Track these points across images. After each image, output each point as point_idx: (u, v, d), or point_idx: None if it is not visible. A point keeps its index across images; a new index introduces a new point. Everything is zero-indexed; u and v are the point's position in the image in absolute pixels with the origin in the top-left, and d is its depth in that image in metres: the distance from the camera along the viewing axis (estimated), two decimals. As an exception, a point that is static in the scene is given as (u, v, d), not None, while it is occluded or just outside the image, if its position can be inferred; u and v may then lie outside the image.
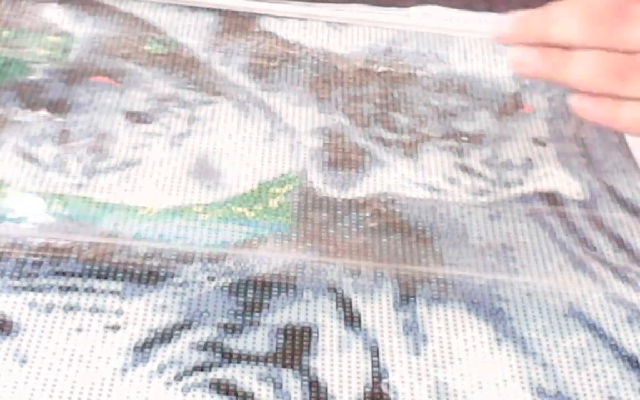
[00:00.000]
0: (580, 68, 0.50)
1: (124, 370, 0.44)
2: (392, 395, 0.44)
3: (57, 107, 0.57)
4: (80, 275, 0.48)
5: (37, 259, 0.48)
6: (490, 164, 0.57)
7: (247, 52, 0.63)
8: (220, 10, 0.66)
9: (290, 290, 0.48)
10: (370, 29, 0.66)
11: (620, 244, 0.52)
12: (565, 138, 0.60)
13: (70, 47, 0.61)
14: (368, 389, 0.45)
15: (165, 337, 0.46)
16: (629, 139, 0.60)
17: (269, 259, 0.50)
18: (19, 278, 0.47)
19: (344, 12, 0.66)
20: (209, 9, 0.66)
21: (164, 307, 0.47)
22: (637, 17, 0.50)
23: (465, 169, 0.56)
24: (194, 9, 0.66)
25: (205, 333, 0.46)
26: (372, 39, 0.65)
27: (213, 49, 0.63)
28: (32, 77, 0.59)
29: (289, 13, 0.66)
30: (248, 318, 0.47)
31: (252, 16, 0.66)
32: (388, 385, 0.45)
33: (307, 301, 0.48)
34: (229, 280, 0.48)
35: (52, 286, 0.47)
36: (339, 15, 0.66)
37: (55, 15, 0.64)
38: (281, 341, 0.46)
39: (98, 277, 0.48)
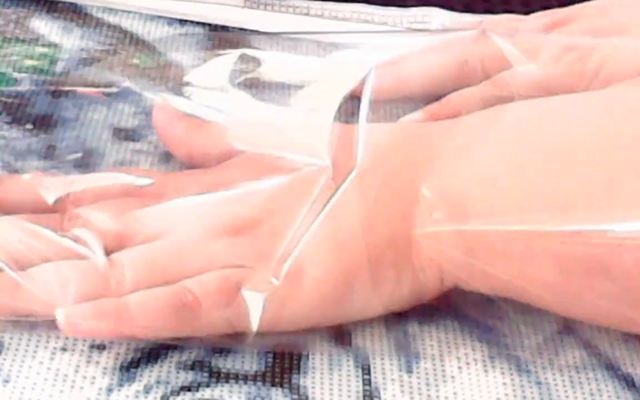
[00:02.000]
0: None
1: (110, 390, 0.43)
2: (383, 415, 0.44)
3: (44, 121, 0.56)
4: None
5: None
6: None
7: (237, 67, 0.62)
8: (210, 26, 0.65)
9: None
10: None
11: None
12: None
13: (58, 59, 0.61)
14: (359, 409, 0.44)
15: (151, 356, 0.45)
16: None
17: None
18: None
19: (334, 35, 0.66)
20: (198, 23, 0.65)
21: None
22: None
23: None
24: (183, 23, 0.65)
25: (192, 352, 0.45)
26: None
27: (202, 65, 0.62)
28: (18, 89, 0.58)
29: (278, 29, 0.66)
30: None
31: (242, 33, 0.65)
32: (380, 405, 0.44)
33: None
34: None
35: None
36: (329, 37, 0.66)
37: (42, 26, 0.63)
38: (270, 359, 0.45)
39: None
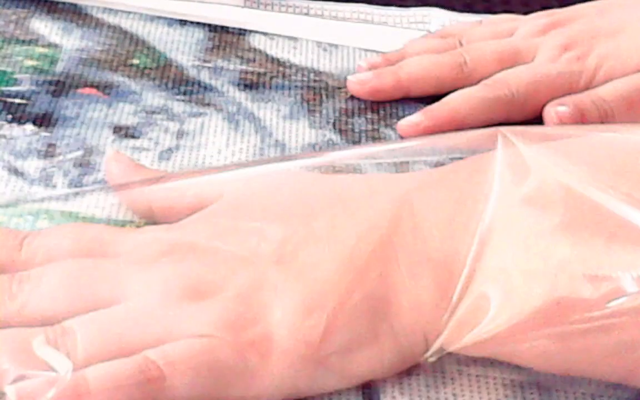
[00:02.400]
0: None
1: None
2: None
3: (44, 120, 0.56)
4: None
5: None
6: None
7: (237, 67, 0.62)
8: (210, 26, 0.65)
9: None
10: (361, 51, 0.65)
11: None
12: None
13: (58, 59, 0.61)
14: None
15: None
16: None
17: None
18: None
19: (334, 35, 0.66)
20: (198, 24, 0.65)
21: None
22: None
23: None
24: (183, 23, 0.65)
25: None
26: (362, 59, 0.65)
27: (202, 65, 0.62)
28: (18, 89, 0.58)
29: (278, 29, 0.66)
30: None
31: (241, 33, 0.65)
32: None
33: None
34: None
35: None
36: (329, 37, 0.65)
37: (43, 26, 0.63)
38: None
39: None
